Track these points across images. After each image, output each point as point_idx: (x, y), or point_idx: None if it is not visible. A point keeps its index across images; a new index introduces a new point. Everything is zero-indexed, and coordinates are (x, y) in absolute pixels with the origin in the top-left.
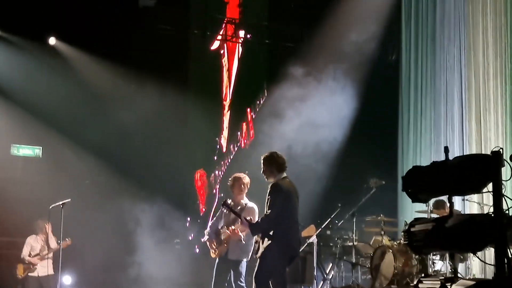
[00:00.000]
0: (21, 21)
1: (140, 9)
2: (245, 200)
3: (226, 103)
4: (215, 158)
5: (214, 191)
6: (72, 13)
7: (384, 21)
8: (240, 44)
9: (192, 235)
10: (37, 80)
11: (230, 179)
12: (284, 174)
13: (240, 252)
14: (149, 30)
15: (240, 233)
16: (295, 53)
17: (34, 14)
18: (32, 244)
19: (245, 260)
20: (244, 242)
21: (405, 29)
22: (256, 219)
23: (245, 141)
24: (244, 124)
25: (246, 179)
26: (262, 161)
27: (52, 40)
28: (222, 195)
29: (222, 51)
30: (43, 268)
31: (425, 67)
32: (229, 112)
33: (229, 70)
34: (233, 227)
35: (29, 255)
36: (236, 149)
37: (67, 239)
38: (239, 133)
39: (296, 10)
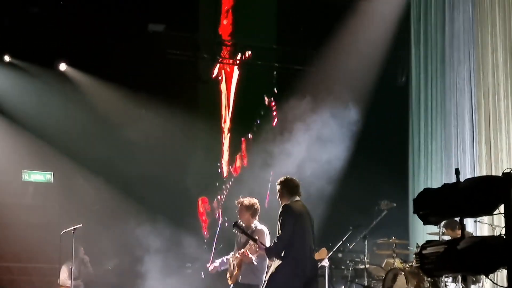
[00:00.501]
0: (31, 47)
1: (150, 34)
2: (255, 224)
3: (225, 126)
4: (217, 183)
5: (217, 215)
6: (81, 39)
7: (393, 44)
8: (237, 66)
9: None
10: (47, 106)
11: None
12: (297, 198)
13: (252, 276)
14: (158, 54)
15: (250, 255)
16: (303, 75)
17: (44, 40)
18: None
19: (259, 285)
20: (255, 264)
21: (414, 51)
22: (267, 241)
23: (237, 167)
24: (239, 153)
25: (247, 201)
26: (276, 185)
27: (62, 66)
28: (226, 218)
29: (220, 77)
30: None
31: (435, 89)
32: (229, 135)
33: (228, 94)
34: (243, 250)
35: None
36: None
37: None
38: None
39: (305, 33)
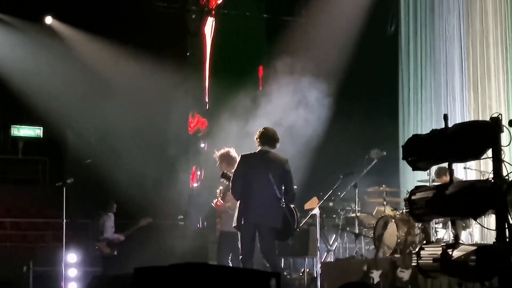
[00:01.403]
0: (16, 1)
1: None
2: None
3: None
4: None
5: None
6: None
7: None
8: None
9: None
10: (34, 60)
11: (216, 158)
12: (266, 148)
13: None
14: (145, 6)
15: (223, 204)
16: (292, 27)
17: None
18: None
19: None
20: (231, 212)
21: (403, 0)
22: None
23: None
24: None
25: (220, 152)
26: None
27: (48, 19)
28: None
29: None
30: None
31: (425, 37)
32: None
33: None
34: (215, 200)
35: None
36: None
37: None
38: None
39: None
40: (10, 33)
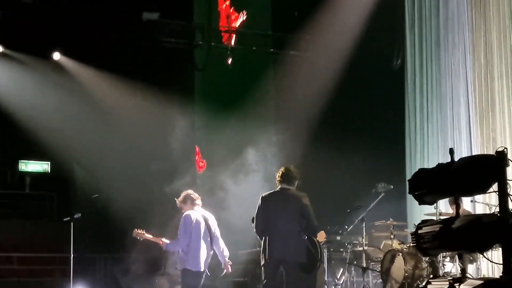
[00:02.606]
0: (24, 37)
1: (144, 22)
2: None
3: None
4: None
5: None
6: (75, 28)
7: (388, 27)
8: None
9: None
10: (42, 96)
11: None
12: (285, 186)
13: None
14: (153, 43)
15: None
16: (300, 61)
17: (38, 30)
18: None
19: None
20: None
21: (409, 34)
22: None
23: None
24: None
25: (188, 193)
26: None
27: (56, 56)
28: None
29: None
30: None
31: (430, 71)
32: None
33: None
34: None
35: None
36: None
37: None
38: None
39: (299, 18)
40: (18, 68)
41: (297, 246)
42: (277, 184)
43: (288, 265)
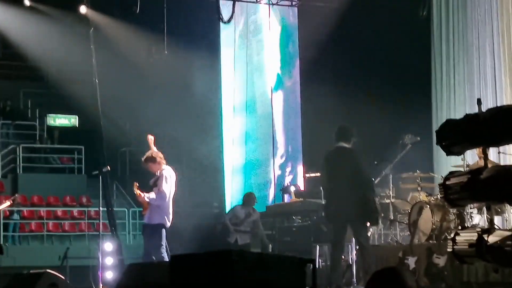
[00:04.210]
0: None
1: None
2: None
3: None
4: None
5: None
6: None
7: None
8: None
9: None
10: (69, 49)
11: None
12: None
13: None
14: None
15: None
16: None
17: None
18: None
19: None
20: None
21: None
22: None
23: None
24: None
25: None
26: None
27: (82, 9)
28: None
29: None
30: None
31: (457, 21)
32: None
33: None
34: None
35: None
36: None
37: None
38: None
39: None
40: (45, 22)
41: (352, 201)
42: (334, 142)
43: (351, 220)
